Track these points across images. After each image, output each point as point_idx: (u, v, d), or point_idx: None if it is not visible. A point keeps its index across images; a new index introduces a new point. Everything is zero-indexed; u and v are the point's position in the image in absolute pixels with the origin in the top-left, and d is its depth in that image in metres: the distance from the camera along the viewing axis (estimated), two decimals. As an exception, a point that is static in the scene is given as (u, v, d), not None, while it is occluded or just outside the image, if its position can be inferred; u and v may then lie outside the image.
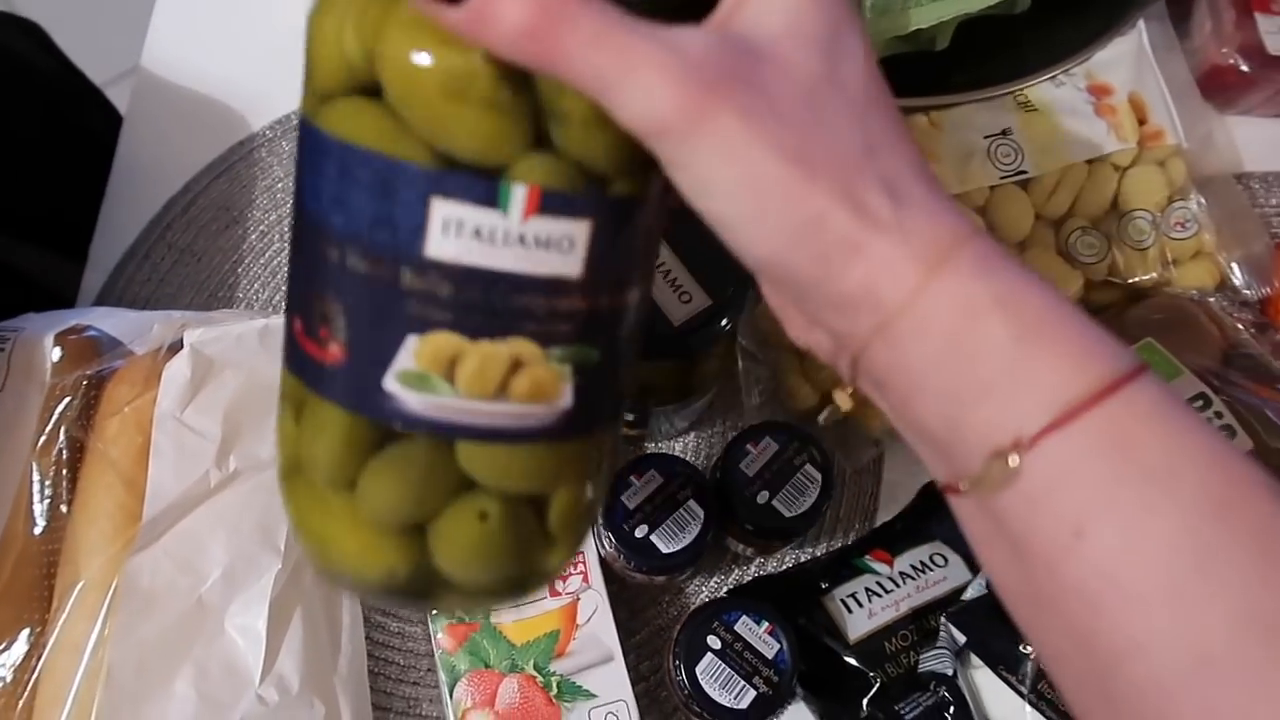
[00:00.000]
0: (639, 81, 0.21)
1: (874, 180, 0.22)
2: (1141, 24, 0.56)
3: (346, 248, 0.24)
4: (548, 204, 0.23)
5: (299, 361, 0.26)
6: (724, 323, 0.42)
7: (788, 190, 0.22)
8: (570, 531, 0.28)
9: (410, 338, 0.24)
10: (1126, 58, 0.56)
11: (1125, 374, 0.22)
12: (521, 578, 0.27)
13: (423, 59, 0.22)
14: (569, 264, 0.24)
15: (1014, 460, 0.22)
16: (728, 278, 0.42)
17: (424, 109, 0.22)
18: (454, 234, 0.23)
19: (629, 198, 0.25)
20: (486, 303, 0.23)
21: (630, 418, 0.50)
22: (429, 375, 0.24)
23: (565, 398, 0.25)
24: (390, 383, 0.24)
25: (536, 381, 0.24)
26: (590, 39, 0.21)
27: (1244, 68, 0.58)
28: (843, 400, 0.30)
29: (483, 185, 0.23)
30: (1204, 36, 0.61)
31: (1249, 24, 0.58)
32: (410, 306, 0.23)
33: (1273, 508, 0.21)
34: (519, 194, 0.23)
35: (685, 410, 0.50)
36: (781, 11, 0.22)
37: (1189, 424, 0.22)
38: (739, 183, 0.22)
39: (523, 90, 0.23)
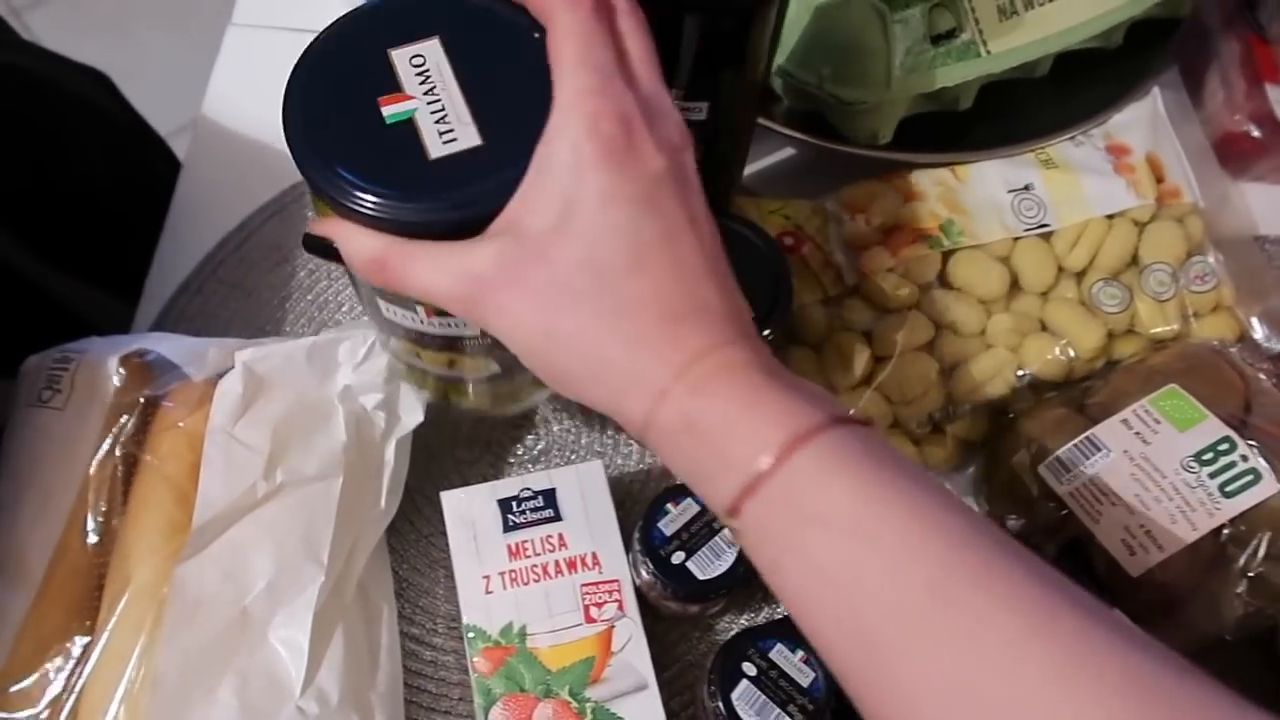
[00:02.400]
0: (433, 284, 0.32)
1: (616, 340, 0.30)
2: (1156, 90, 0.59)
3: None
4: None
5: None
6: (766, 333, 0.44)
7: (540, 351, 0.31)
8: None
9: None
10: (1142, 121, 0.58)
11: (791, 444, 0.28)
12: None
13: None
14: None
15: (735, 523, 0.30)
16: (768, 294, 0.44)
17: None
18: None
19: None
20: None
21: None
22: None
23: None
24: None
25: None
26: (408, 265, 0.32)
27: (1256, 134, 0.60)
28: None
29: None
30: (1216, 104, 0.63)
31: (1259, 94, 0.61)
32: None
33: (907, 515, 0.28)
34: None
35: None
36: (562, 199, 0.30)
37: (847, 468, 0.28)
38: (513, 342, 0.32)
39: None
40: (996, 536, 0.28)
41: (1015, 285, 0.54)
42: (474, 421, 0.56)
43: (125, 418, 0.46)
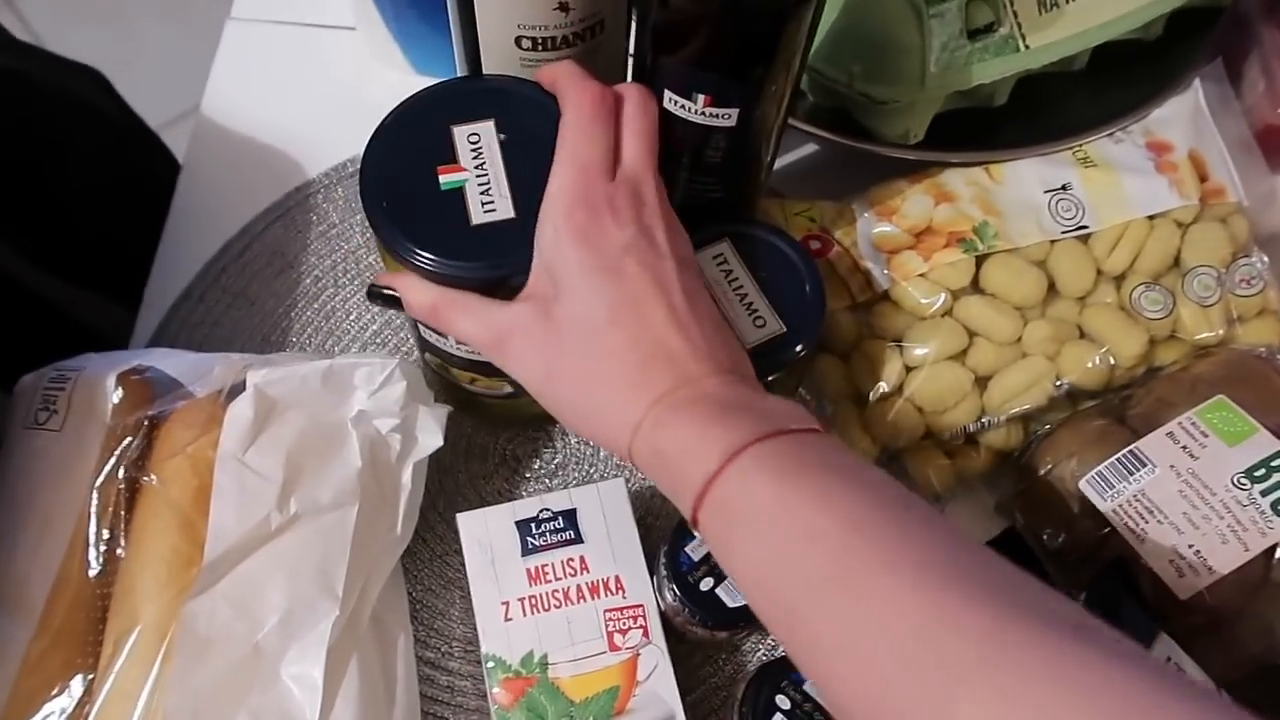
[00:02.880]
0: (470, 332, 0.39)
1: (598, 385, 0.37)
2: (1197, 83, 0.56)
3: None
4: None
5: None
6: (798, 348, 0.42)
7: (544, 393, 0.38)
8: None
9: None
10: (1184, 116, 0.56)
11: (721, 464, 0.34)
12: None
13: None
14: None
15: (697, 531, 0.35)
16: (803, 308, 0.43)
17: None
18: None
19: None
20: None
21: None
22: None
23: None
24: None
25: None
26: (454, 315, 0.39)
27: (1298, 128, 0.58)
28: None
29: None
30: (1256, 96, 0.61)
31: (1303, 85, 0.58)
32: None
33: (813, 508, 0.32)
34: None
35: None
36: (554, 270, 0.37)
37: (768, 473, 0.33)
38: (525, 384, 0.39)
39: None
40: (904, 522, 0.32)
41: (1052, 290, 0.52)
42: (488, 434, 0.54)
43: (128, 439, 0.44)
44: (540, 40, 0.42)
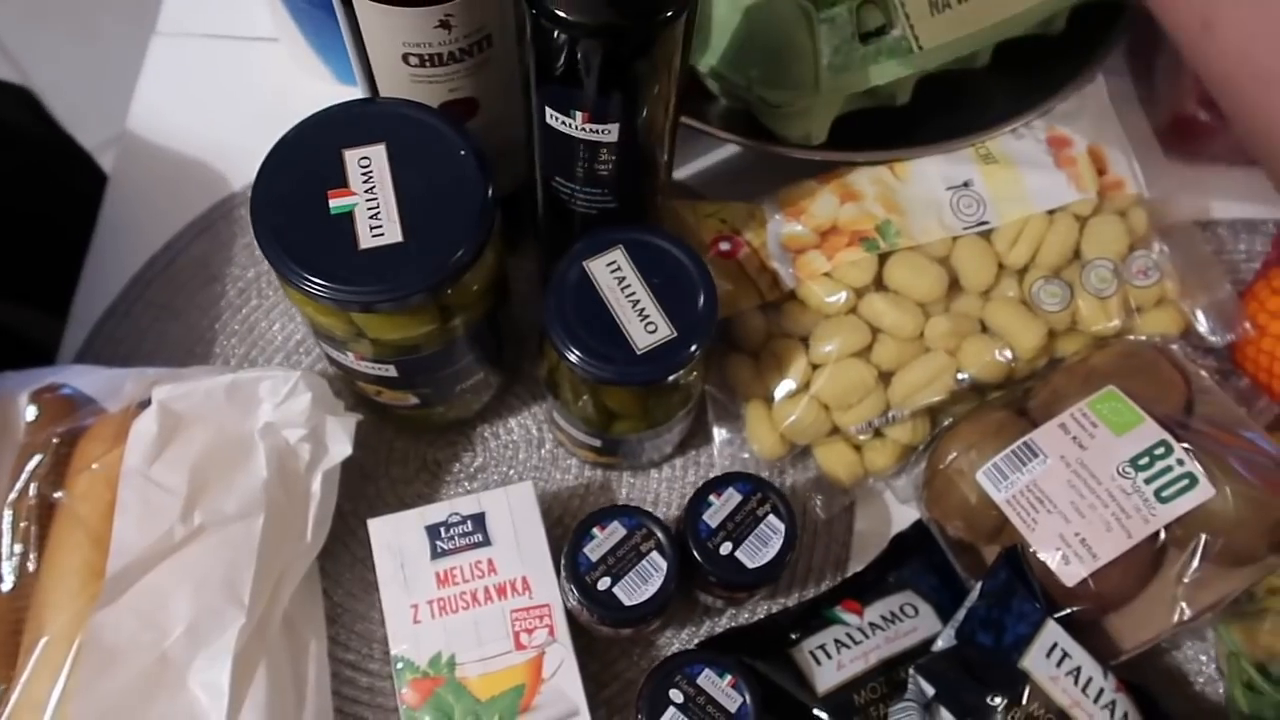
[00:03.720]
0: None
1: None
2: (1101, 77, 0.57)
3: None
4: None
5: None
6: (688, 352, 0.43)
7: None
8: None
9: None
10: (1088, 110, 0.57)
11: None
12: None
13: None
14: None
15: None
16: (694, 313, 0.44)
17: None
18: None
19: None
20: None
21: (598, 443, 0.50)
22: None
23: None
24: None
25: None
26: None
27: (1203, 117, 0.59)
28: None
29: None
30: (1166, 87, 0.62)
31: (1208, 76, 0.59)
32: None
33: None
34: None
35: (655, 440, 0.51)
36: None
37: None
38: None
39: None
40: None
41: (956, 285, 0.53)
42: (409, 440, 0.55)
43: (39, 456, 0.45)
44: (427, 57, 0.43)
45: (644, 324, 0.44)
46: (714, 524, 0.46)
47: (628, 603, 0.44)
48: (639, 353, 0.43)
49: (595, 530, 0.45)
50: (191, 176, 0.62)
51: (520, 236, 0.58)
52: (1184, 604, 0.46)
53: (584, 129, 0.41)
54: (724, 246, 0.55)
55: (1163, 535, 0.46)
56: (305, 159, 0.42)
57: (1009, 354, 0.52)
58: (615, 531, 0.45)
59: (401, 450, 0.55)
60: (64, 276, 0.59)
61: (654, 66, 0.39)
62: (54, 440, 0.45)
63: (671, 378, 0.45)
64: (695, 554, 0.45)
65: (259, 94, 0.64)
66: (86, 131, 0.70)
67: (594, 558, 0.45)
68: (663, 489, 0.55)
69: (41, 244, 0.62)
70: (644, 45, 0.38)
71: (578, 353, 0.42)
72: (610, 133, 0.41)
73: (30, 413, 0.46)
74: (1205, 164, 0.63)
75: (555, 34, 0.37)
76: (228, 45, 0.65)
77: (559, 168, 0.45)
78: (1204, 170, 0.63)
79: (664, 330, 0.44)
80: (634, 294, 0.45)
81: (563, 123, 0.41)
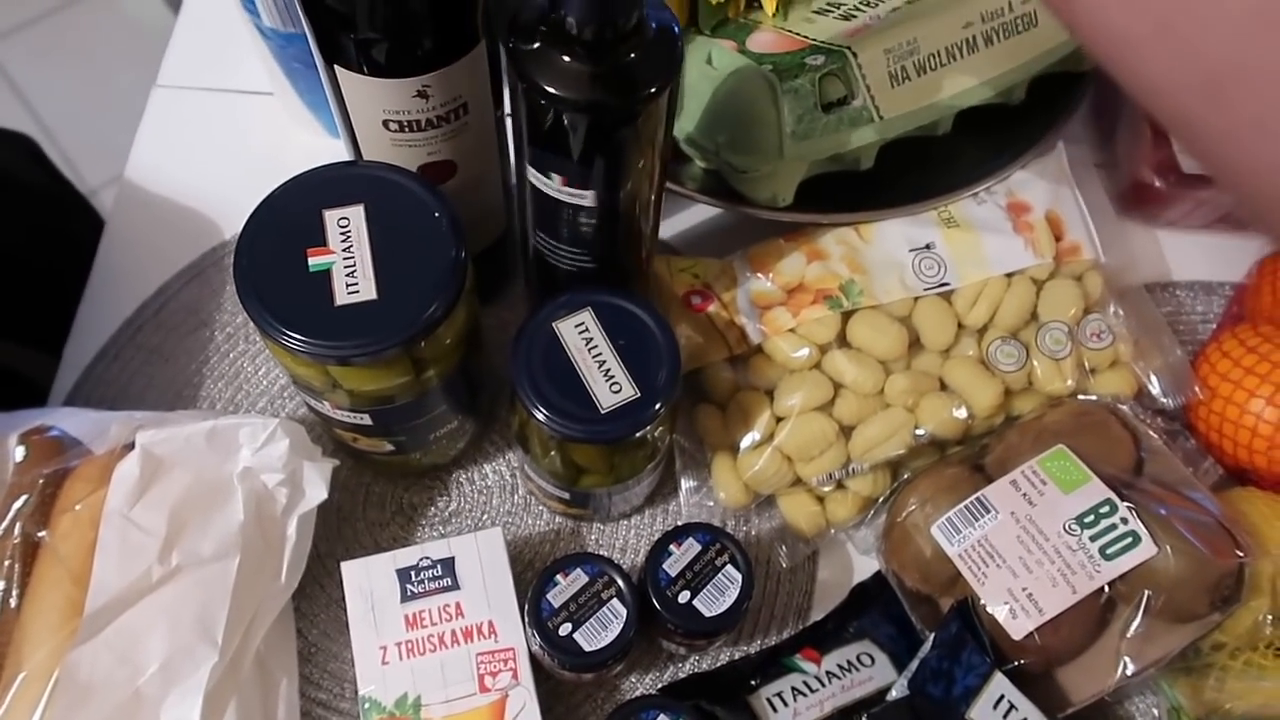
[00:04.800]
0: None
1: None
2: (1061, 144, 0.60)
3: None
4: None
5: None
6: (651, 411, 0.45)
7: None
8: None
9: None
10: (1047, 177, 0.59)
11: None
12: None
13: None
14: None
15: None
16: (657, 374, 0.46)
17: None
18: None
19: None
20: None
21: (567, 496, 0.52)
22: None
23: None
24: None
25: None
26: None
27: (1158, 184, 0.61)
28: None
29: None
30: (1125, 154, 0.64)
31: (1165, 143, 0.62)
32: None
33: None
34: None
35: (623, 494, 0.53)
36: None
37: None
38: None
39: None
40: None
41: (918, 343, 0.55)
42: (386, 484, 0.57)
43: (25, 496, 0.47)
44: (406, 123, 0.45)
45: (609, 384, 0.46)
46: (673, 573, 0.47)
47: (587, 648, 0.46)
48: (603, 412, 0.45)
49: (558, 577, 0.47)
50: (186, 224, 0.64)
51: (496, 288, 0.61)
52: (1129, 659, 0.47)
53: (563, 192, 0.43)
54: (695, 300, 0.57)
55: (1107, 591, 0.47)
56: (288, 218, 0.44)
57: (965, 412, 0.53)
58: (578, 579, 0.47)
59: (379, 494, 0.57)
60: (61, 318, 0.61)
61: (634, 139, 0.41)
62: (40, 481, 0.47)
63: (637, 434, 0.46)
64: (655, 602, 0.47)
65: (253, 146, 0.66)
66: (92, 168, 0.72)
67: (556, 604, 0.47)
68: (631, 535, 0.57)
69: (40, 286, 0.64)
70: (623, 120, 0.40)
71: (545, 410, 0.44)
72: (587, 198, 0.43)
73: (19, 453, 0.48)
74: (1163, 228, 0.66)
75: (539, 103, 0.39)
76: (224, 98, 0.68)
77: (543, 225, 0.47)
78: (1163, 234, 0.66)
79: (628, 390, 0.45)
80: (600, 355, 0.46)
81: (544, 184, 0.43)
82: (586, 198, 0.44)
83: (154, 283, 0.62)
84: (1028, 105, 0.61)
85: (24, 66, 1.57)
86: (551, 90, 0.38)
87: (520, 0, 0.40)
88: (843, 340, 0.55)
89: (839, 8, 0.57)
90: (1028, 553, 0.48)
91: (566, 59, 0.38)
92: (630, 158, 0.43)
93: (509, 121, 0.45)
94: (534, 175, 0.44)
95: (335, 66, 0.43)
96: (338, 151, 0.51)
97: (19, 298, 0.62)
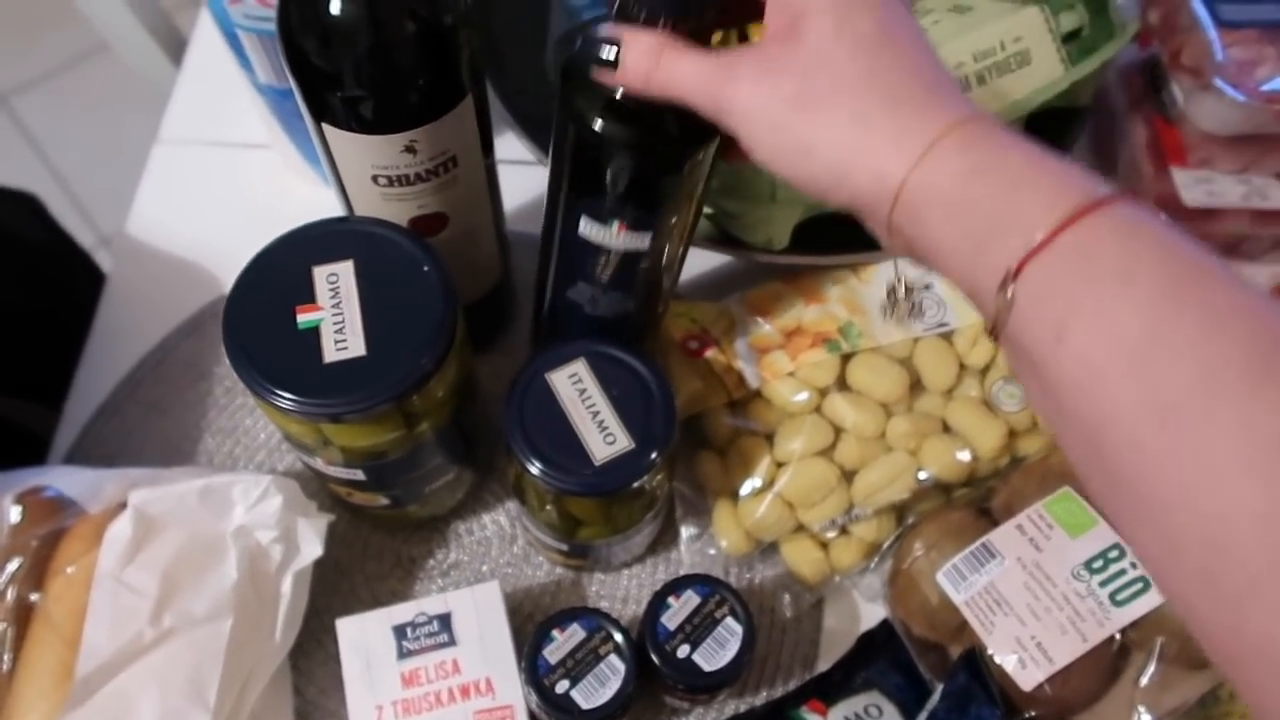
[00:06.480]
0: (692, 70, 0.34)
1: (874, 98, 0.31)
2: (1060, 180, 0.59)
3: None
4: None
5: None
6: (647, 461, 0.44)
7: (787, 121, 0.32)
8: None
9: None
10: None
11: (1088, 205, 0.27)
12: None
13: None
14: None
15: (1010, 291, 0.28)
16: (652, 425, 0.45)
17: None
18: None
19: None
20: None
21: (565, 548, 0.51)
22: None
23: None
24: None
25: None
26: (675, 58, 0.34)
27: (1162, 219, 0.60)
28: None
29: None
30: (1125, 188, 0.64)
31: (1165, 178, 0.61)
32: None
33: (1218, 284, 0.26)
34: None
35: (623, 544, 0.52)
36: (785, 16, 0.33)
37: (1148, 232, 0.27)
38: (755, 117, 0.33)
39: None
40: None
41: (919, 384, 0.55)
42: (385, 536, 0.56)
43: (19, 559, 0.46)
44: (394, 178, 0.45)
45: (603, 435, 0.45)
46: (672, 626, 0.46)
47: (585, 706, 0.45)
48: (598, 464, 0.44)
49: (555, 633, 0.46)
50: (186, 278, 0.64)
51: (492, 337, 0.60)
52: (1144, 708, 0.46)
53: (620, 238, 0.43)
54: (693, 345, 0.57)
55: (1119, 638, 0.46)
56: (277, 275, 0.44)
57: (969, 454, 0.53)
58: (574, 634, 0.46)
59: (376, 546, 0.56)
60: (62, 372, 0.61)
61: (692, 177, 0.41)
62: (34, 543, 0.47)
63: (633, 485, 0.46)
64: (653, 657, 0.46)
65: (253, 198, 0.67)
66: (104, 217, 0.72)
67: (553, 660, 0.46)
68: (633, 585, 0.56)
69: (41, 341, 0.65)
70: (684, 158, 0.39)
71: (538, 464, 0.44)
72: (644, 240, 0.43)
73: (14, 514, 0.48)
74: (1169, 261, 0.65)
75: (600, 150, 0.39)
76: (224, 152, 0.68)
77: (584, 275, 0.46)
78: (1168, 267, 0.65)
79: (623, 441, 0.45)
80: (594, 405, 0.46)
81: (598, 232, 0.43)
82: (644, 239, 0.43)
83: (154, 337, 0.62)
84: (1025, 141, 0.60)
85: (39, 117, 1.60)
86: (618, 132, 0.38)
87: (568, 48, 0.39)
88: (843, 383, 0.54)
89: (831, 50, 0.57)
90: (1035, 600, 0.47)
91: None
92: (688, 195, 0.42)
93: (550, 161, 0.44)
94: (589, 226, 0.43)
95: (323, 124, 0.43)
96: (336, 201, 0.51)
97: (21, 353, 0.63)
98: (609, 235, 0.43)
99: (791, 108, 0.32)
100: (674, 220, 0.43)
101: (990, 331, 0.30)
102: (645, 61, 0.34)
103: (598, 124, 0.38)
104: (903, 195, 0.30)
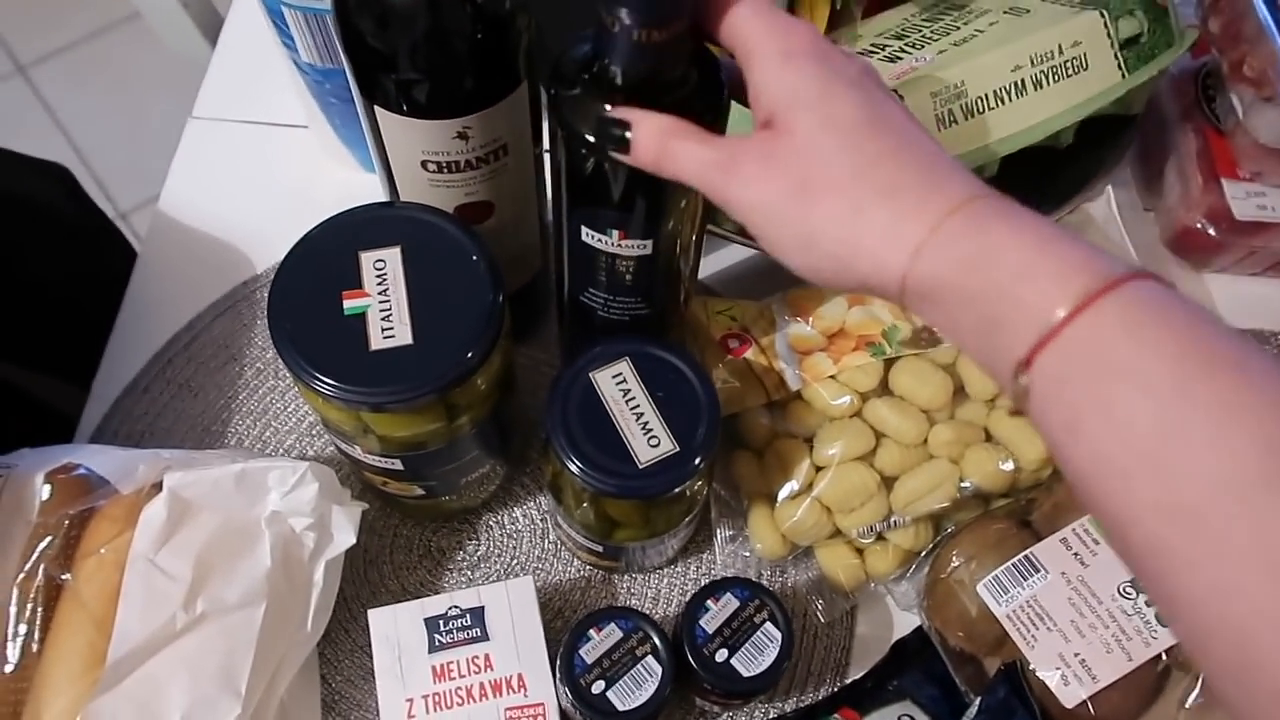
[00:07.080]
0: (697, 157, 0.34)
1: (869, 188, 0.30)
2: (1109, 190, 0.58)
3: None
4: None
5: None
6: (690, 466, 0.43)
7: (786, 214, 0.32)
8: None
9: None
10: (1094, 221, 0.58)
11: (1095, 291, 0.26)
12: None
13: None
14: None
15: (1024, 380, 0.28)
16: (697, 428, 0.44)
17: None
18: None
19: None
20: None
21: (599, 549, 0.51)
22: None
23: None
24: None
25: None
26: (680, 143, 0.34)
27: (1211, 232, 0.59)
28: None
29: None
30: (1174, 199, 0.63)
31: (1216, 189, 0.60)
32: None
33: (1230, 372, 0.25)
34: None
35: (657, 547, 0.51)
36: (787, 93, 0.32)
37: (1157, 317, 0.26)
38: (756, 210, 0.33)
39: None
40: None
41: (961, 392, 0.54)
42: (414, 527, 0.56)
43: (49, 538, 0.46)
44: (444, 164, 0.44)
45: (647, 438, 0.44)
46: (710, 630, 0.46)
47: (621, 708, 0.44)
48: (641, 467, 0.43)
49: (592, 632, 0.46)
50: (218, 257, 0.63)
51: (530, 327, 0.59)
52: (1186, 730, 0.45)
53: (621, 246, 0.42)
54: (733, 344, 0.56)
55: (1165, 659, 0.45)
56: (323, 259, 0.43)
57: (1012, 464, 0.52)
58: (611, 634, 0.46)
59: (406, 537, 0.55)
60: (91, 350, 0.61)
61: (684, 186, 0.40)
62: (65, 522, 0.46)
63: (675, 490, 0.45)
64: (691, 660, 0.45)
65: (287, 179, 0.66)
66: (124, 192, 0.72)
67: (589, 660, 0.45)
68: (664, 585, 0.55)
69: (70, 318, 0.64)
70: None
71: (579, 464, 0.43)
72: (646, 247, 0.42)
73: (45, 492, 0.47)
74: (1213, 274, 0.64)
75: (594, 159, 0.38)
76: (259, 131, 0.68)
77: (592, 281, 0.46)
78: (1212, 280, 0.64)
79: (667, 444, 0.44)
80: (638, 406, 0.45)
81: (599, 240, 0.42)
82: (645, 247, 0.43)
83: (185, 316, 0.61)
84: (1074, 148, 0.59)
85: (59, 90, 1.59)
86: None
87: (561, 53, 0.39)
88: (885, 388, 0.53)
89: (884, 49, 0.56)
90: (1080, 616, 0.46)
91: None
92: (682, 204, 0.42)
93: (548, 163, 0.44)
94: (589, 235, 0.43)
95: (375, 107, 0.42)
96: (371, 186, 0.50)
97: (50, 329, 0.62)
98: (609, 243, 0.42)
99: (790, 201, 0.32)
100: (674, 226, 0.43)
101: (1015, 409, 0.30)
102: (652, 144, 0.35)
103: (586, 138, 0.37)
104: (909, 284, 0.30)
